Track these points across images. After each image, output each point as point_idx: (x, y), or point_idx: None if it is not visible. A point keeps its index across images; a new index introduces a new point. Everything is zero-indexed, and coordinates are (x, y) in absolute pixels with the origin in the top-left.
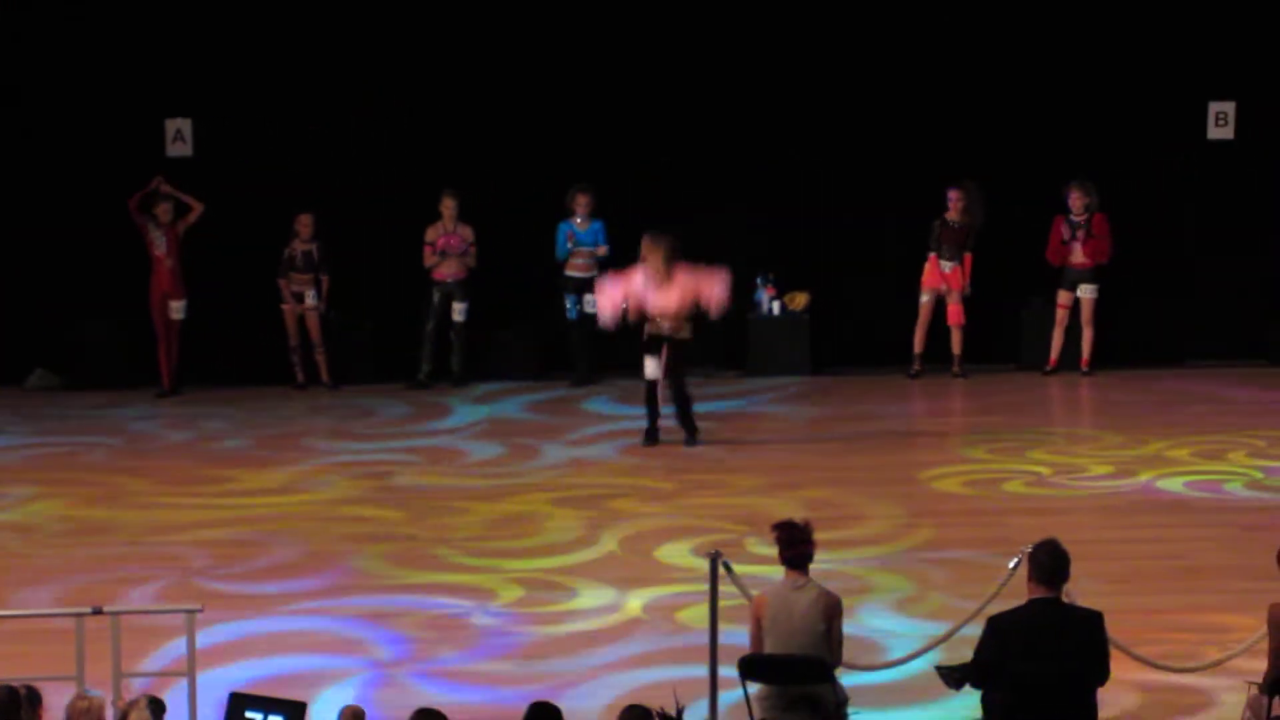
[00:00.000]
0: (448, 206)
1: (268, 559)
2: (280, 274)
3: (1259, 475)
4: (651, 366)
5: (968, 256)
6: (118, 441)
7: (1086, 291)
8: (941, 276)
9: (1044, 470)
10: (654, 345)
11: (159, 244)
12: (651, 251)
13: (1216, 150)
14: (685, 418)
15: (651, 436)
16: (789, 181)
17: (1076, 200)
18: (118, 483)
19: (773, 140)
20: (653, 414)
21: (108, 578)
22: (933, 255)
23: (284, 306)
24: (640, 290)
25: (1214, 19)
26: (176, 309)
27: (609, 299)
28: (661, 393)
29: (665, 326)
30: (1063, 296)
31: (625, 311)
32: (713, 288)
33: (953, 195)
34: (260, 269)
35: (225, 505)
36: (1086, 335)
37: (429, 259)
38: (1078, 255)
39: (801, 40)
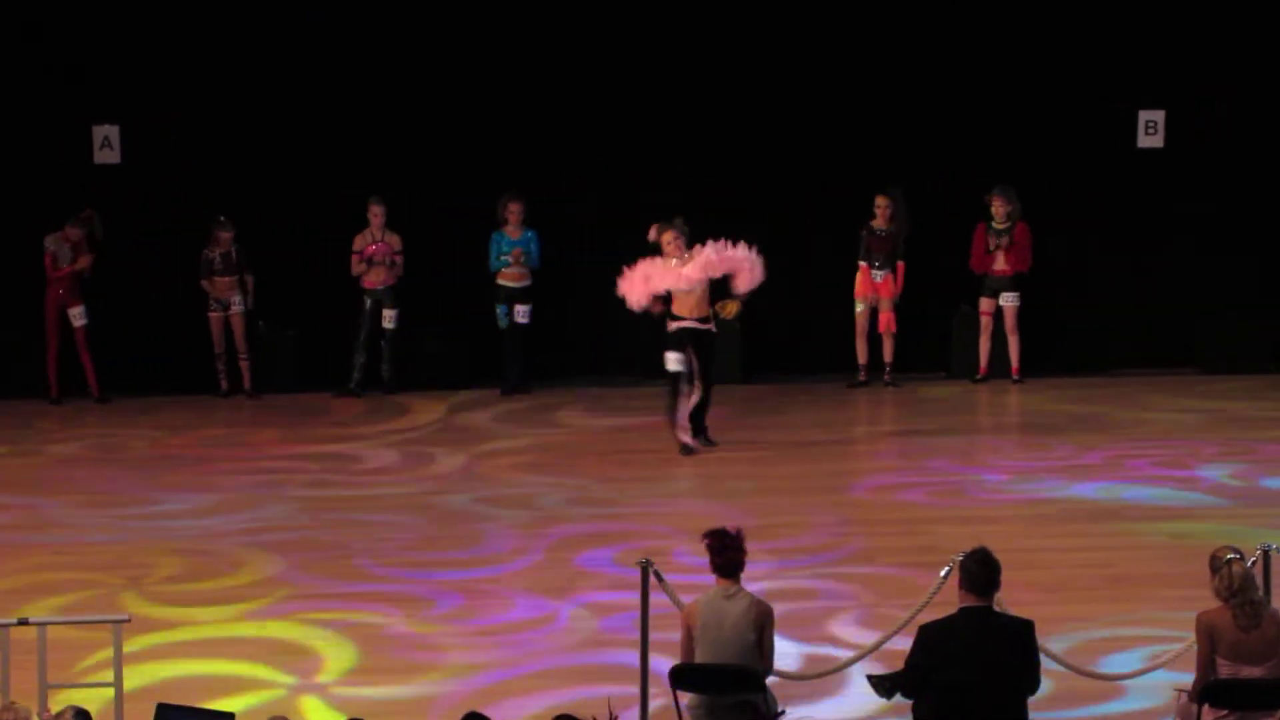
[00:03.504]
0: (375, 214)
1: (194, 570)
2: (202, 275)
3: (1188, 482)
4: (675, 360)
5: (900, 265)
6: (37, 450)
7: (1008, 300)
8: (873, 285)
9: (973, 479)
10: (677, 339)
11: (64, 259)
12: (668, 235)
13: (1146, 158)
14: (702, 418)
15: (701, 435)
16: (719, 189)
17: (999, 208)
18: (37, 494)
19: (702, 149)
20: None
21: (32, 587)
22: (864, 265)
23: (210, 314)
24: (662, 276)
25: (1144, 28)
26: (76, 315)
27: (638, 283)
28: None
29: (694, 314)
30: (985, 304)
31: (660, 298)
32: (744, 265)
33: (880, 202)
34: (188, 276)
35: (148, 516)
36: (1012, 343)
37: (356, 267)
38: (999, 263)
39: (729, 48)
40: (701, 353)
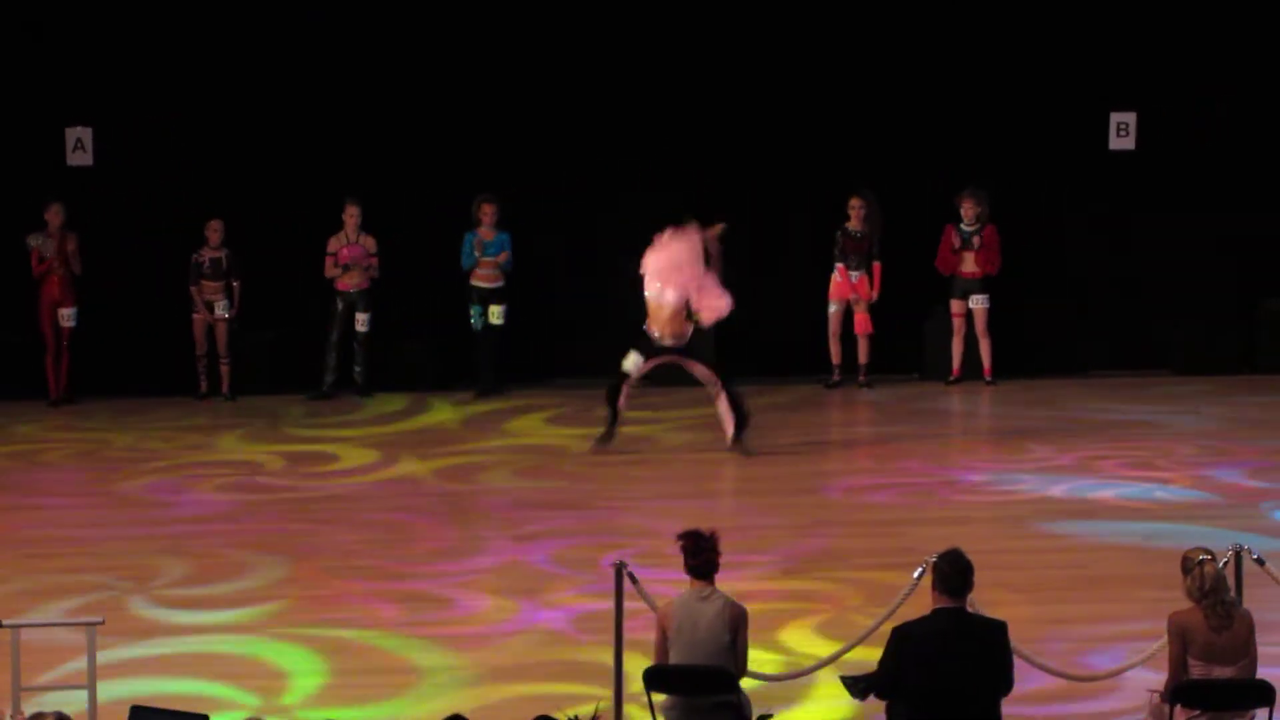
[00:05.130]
0: (350, 215)
1: (167, 573)
2: (191, 281)
3: (1161, 484)
4: (634, 362)
5: (876, 265)
6: (9, 452)
7: (978, 302)
8: (850, 287)
9: (946, 479)
10: (649, 347)
11: (47, 249)
12: (683, 239)
13: (1118, 160)
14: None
15: (609, 437)
16: (695, 190)
17: (969, 210)
18: (11, 495)
19: (677, 151)
20: (614, 413)
21: (6, 591)
22: (840, 266)
23: (195, 316)
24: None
25: (1116, 30)
26: (67, 316)
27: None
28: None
29: (666, 331)
30: (956, 306)
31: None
32: (712, 300)
33: (854, 203)
34: (161, 278)
35: (126, 519)
36: (984, 345)
37: (330, 270)
38: (969, 265)
39: (705, 52)
40: (689, 358)
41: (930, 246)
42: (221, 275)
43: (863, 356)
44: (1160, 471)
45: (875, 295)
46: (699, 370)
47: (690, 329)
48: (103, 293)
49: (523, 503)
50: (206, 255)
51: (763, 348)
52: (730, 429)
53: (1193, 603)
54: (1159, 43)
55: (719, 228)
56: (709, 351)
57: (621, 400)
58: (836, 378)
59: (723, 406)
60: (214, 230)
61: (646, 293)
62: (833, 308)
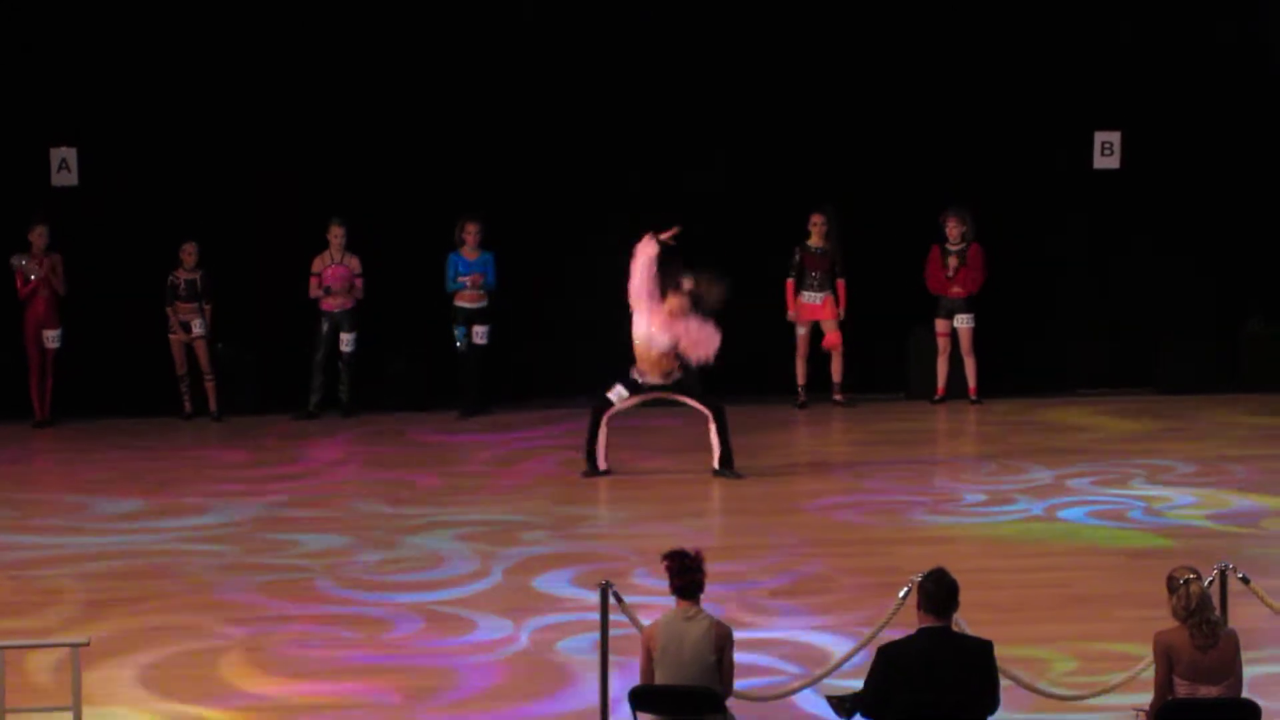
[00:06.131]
0: (335, 235)
1: (155, 590)
2: (167, 302)
3: (1145, 503)
4: (617, 393)
5: (840, 283)
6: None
7: (963, 321)
8: (811, 309)
9: (931, 499)
10: (633, 385)
11: (31, 270)
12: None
13: (1103, 179)
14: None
15: (593, 469)
16: (670, 209)
17: (953, 229)
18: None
19: (655, 169)
20: (592, 445)
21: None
22: (790, 281)
23: (171, 336)
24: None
25: (1100, 49)
26: (51, 338)
27: (701, 336)
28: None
29: (655, 371)
30: (941, 325)
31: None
32: (699, 344)
33: (815, 220)
34: (146, 298)
35: (107, 538)
36: (969, 364)
37: (314, 290)
38: (953, 284)
39: (687, 69)
40: (679, 393)
41: (914, 265)
42: (195, 297)
43: (836, 374)
44: (1144, 490)
45: (843, 313)
46: (691, 403)
47: (677, 366)
48: (86, 313)
49: (508, 522)
50: (181, 277)
51: (741, 368)
52: (716, 457)
53: (1178, 622)
54: (1144, 62)
55: (673, 230)
56: (698, 386)
57: (601, 436)
58: (803, 398)
59: (713, 432)
60: (188, 253)
61: (635, 336)
62: (800, 329)
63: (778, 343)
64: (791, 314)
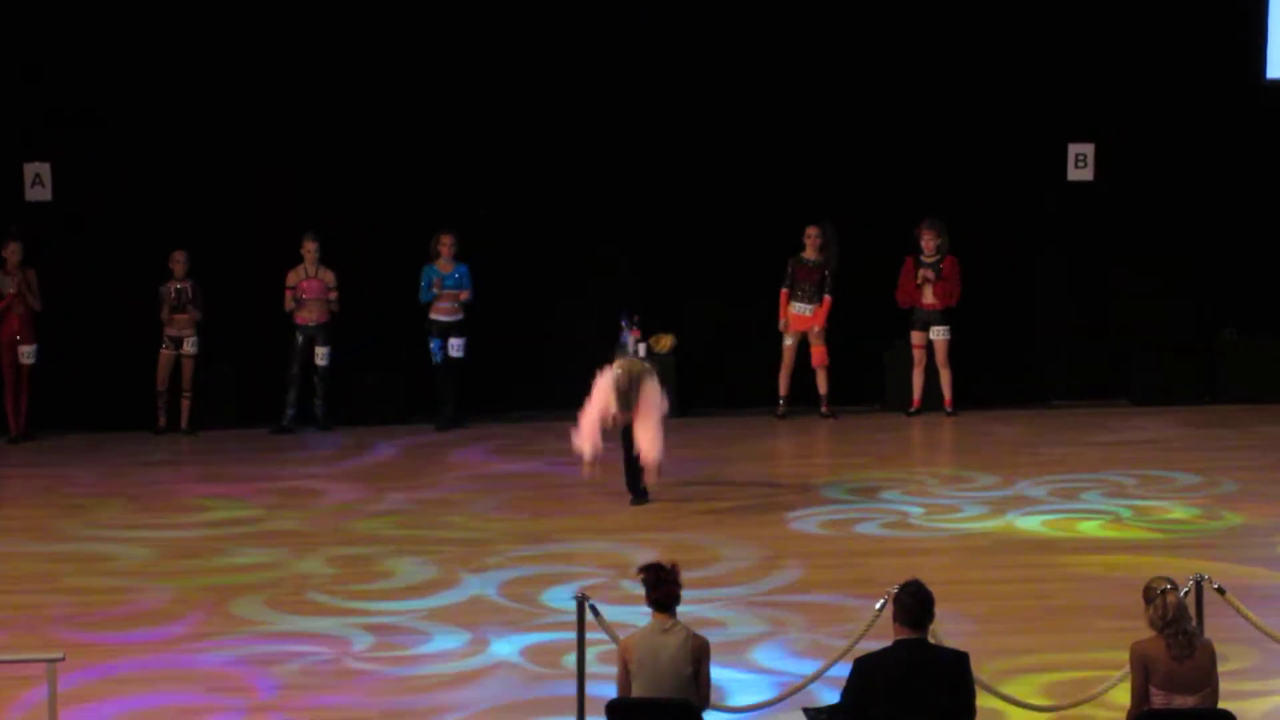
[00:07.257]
0: (309, 249)
1: (130, 606)
2: (161, 311)
3: (1121, 514)
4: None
5: (826, 299)
6: None
7: (938, 334)
8: (801, 321)
9: (907, 511)
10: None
11: (5, 285)
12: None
13: (1076, 191)
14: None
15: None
16: (651, 221)
17: (929, 241)
18: None
19: (635, 180)
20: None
21: None
22: (784, 291)
23: (163, 351)
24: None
25: (1073, 61)
26: (26, 354)
27: (588, 433)
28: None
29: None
30: (916, 337)
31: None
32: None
33: (810, 232)
34: (117, 313)
35: (84, 552)
36: (944, 377)
37: (289, 303)
38: (928, 296)
39: (664, 78)
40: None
41: (890, 278)
42: (184, 307)
43: (822, 387)
44: (1120, 501)
45: (818, 328)
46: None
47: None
48: (59, 326)
49: (485, 535)
50: (172, 286)
51: (722, 379)
52: (635, 488)
53: (1155, 632)
54: (1116, 74)
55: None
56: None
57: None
58: (783, 409)
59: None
60: (177, 262)
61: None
62: (789, 340)
63: (767, 354)
64: (782, 324)
